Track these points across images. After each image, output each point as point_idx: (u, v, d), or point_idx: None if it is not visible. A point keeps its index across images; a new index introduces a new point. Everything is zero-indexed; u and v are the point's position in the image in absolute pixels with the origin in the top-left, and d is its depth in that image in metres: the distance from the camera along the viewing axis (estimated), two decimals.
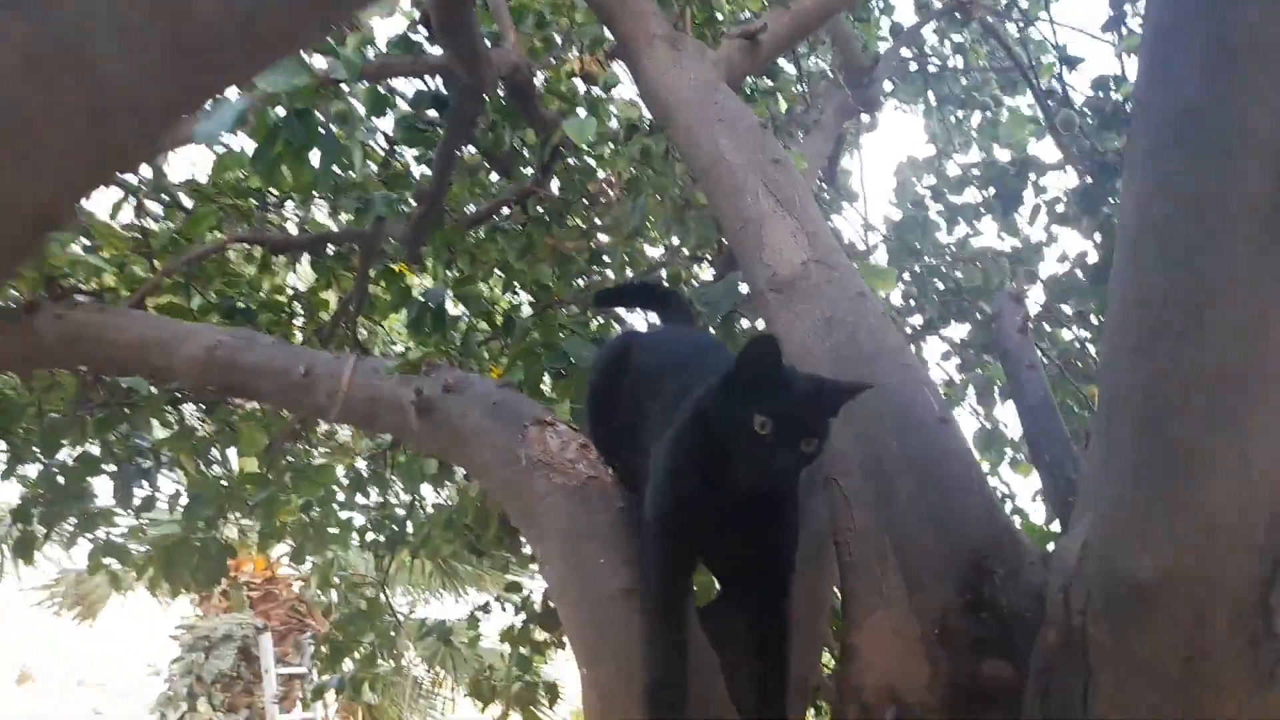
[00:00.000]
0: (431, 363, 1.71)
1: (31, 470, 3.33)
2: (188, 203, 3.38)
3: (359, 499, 4.00)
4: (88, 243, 3.04)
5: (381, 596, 4.14)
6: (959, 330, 3.85)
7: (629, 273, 3.68)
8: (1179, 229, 0.85)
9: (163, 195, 3.33)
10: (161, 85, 0.63)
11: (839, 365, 1.47)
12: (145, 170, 3.03)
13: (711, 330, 2.61)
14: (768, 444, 1.18)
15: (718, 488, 1.27)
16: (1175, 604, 0.85)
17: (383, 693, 7.51)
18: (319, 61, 2.08)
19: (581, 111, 2.86)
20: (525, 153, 3.41)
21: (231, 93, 1.80)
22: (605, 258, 3.56)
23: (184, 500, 3.51)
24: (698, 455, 1.29)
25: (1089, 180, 3.22)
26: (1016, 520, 3.05)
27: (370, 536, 4.07)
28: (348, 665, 4.13)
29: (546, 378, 3.11)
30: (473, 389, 1.66)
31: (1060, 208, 3.54)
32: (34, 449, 3.26)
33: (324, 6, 0.75)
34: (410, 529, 3.93)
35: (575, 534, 1.42)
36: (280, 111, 1.90)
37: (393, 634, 4.32)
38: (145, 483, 3.52)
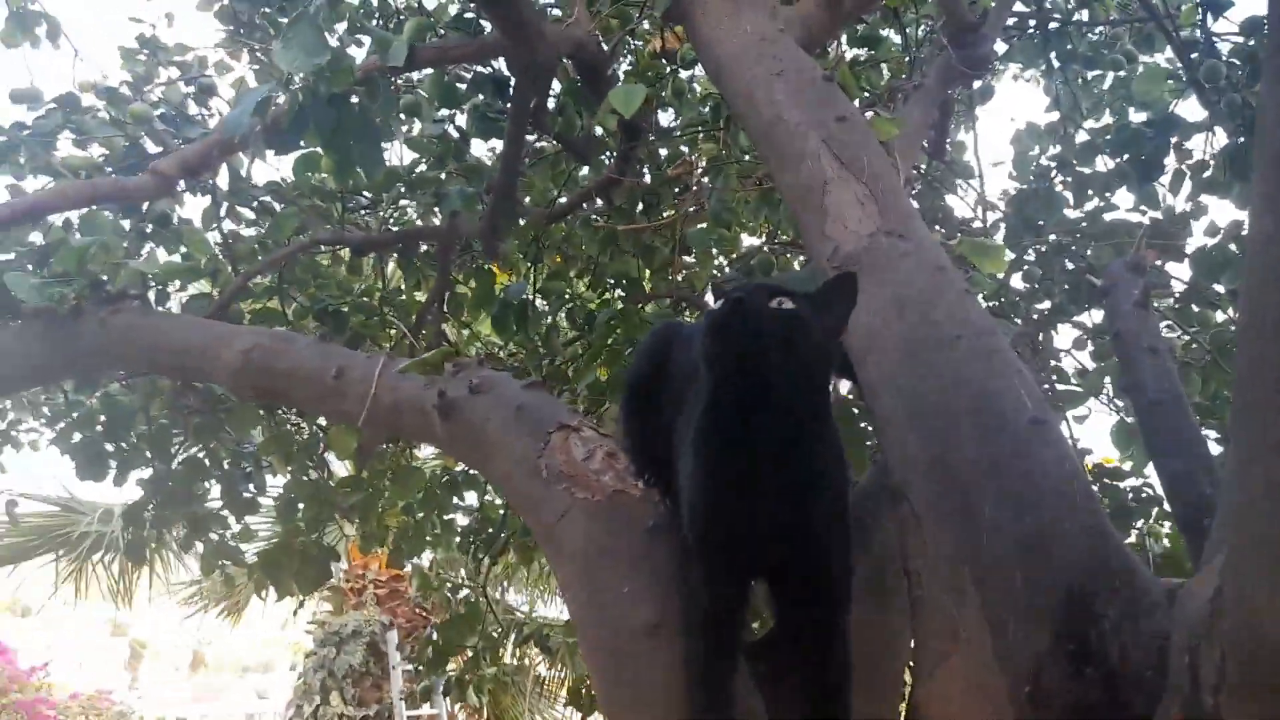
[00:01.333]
0: (460, 361, 1.55)
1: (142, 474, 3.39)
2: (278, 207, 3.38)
3: (456, 501, 3.94)
4: (184, 249, 3.07)
5: (482, 600, 4.06)
6: (1093, 315, 3.45)
7: (720, 262, 3.47)
8: None
9: (252, 201, 3.33)
10: None
11: (911, 353, 1.22)
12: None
13: None
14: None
15: (757, 483, 1.09)
16: None
17: (501, 691, 7.55)
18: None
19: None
20: (609, 139, 3.24)
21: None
22: (692, 247, 3.35)
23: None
24: (729, 448, 1.11)
25: (1240, 140, 2.78)
26: (1164, 527, 2.67)
27: (471, 539, 4.00)
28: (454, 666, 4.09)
29: None
30: (498, 390, 1.48)
31: (1208, 173, 3.10)
32: (146, 454, 3.32)
33: None
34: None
35: (594, 557, 1.23)
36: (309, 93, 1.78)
37: (496, 635, 4.24)
38: (252, 487, 3.55)
